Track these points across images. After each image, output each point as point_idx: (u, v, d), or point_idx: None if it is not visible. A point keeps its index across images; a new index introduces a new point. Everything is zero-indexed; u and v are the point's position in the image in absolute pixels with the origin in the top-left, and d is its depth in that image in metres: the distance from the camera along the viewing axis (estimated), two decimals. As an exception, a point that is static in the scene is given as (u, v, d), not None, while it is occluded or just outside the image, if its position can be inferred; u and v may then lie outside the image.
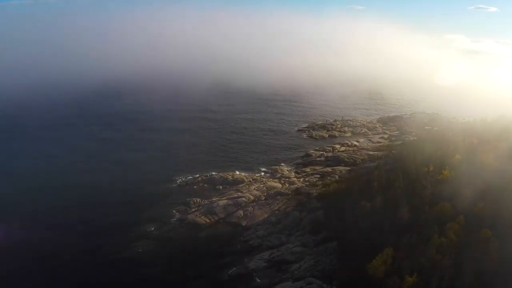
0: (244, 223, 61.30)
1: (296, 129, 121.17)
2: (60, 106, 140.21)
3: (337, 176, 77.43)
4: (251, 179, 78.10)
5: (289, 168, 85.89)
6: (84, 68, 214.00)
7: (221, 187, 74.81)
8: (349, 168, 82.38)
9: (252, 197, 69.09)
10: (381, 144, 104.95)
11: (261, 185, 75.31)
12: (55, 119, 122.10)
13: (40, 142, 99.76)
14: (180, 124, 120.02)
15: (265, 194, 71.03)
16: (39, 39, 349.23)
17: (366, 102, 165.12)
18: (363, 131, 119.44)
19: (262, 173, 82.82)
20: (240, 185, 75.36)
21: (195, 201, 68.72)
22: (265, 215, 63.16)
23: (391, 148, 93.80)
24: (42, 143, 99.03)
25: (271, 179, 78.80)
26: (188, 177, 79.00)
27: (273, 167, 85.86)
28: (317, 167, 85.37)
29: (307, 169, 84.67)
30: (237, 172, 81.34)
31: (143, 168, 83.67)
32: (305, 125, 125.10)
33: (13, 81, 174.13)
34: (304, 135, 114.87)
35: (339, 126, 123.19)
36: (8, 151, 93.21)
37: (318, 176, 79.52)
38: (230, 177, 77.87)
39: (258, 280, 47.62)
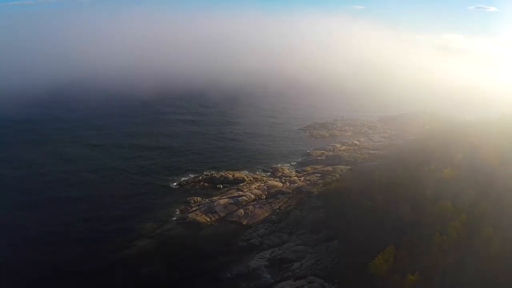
0: (244, 222, 61.19)
1: (296, 128, 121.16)
2: (45, 106, 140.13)
3: (338, 175, 77.35)
4: (251, 178, 78.02)
5: (290, 167, 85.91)
6: (79, 70, 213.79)
7: (221, 186, 74.73)
8: (350, 167, 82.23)
9: (252, 196, 69.00)
10: (382, 143, 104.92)
11: (262, 184, 75.27)
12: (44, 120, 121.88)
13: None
14: (176, 126, 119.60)
15: (266, 193, 70.97)
16: (38, 39, 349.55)
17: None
18: (364, 130, 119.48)
19: (263, 172, 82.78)
20: (241, 184, 75.28)
21: (195, 200, 68.65)
22: (266, 214, 63.06)
23: (392, 147, 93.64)
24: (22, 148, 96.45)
25: (272, 178, 78.77)
26: (188, 176, 78.96)
27: (273, 166, 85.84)
28: (317, 166, 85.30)
29: (308, 168, 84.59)
30: (238, 171, 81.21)
31: (143, 168, 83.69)
32: (306, 124, 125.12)
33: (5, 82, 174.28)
34: (305, 134, 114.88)
35: (339, 125, 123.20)
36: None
37: (319, 175, 79.44)
38: (230, 176, 77.77)
39: (259, 279, 47.43)
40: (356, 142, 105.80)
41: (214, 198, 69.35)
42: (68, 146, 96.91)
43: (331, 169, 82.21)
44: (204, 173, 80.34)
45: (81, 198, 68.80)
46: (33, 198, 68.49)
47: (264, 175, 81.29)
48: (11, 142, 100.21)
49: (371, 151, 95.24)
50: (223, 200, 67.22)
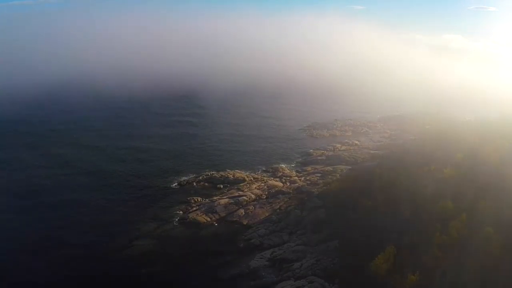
0: (245, 222, 61.20)
1: (296, 128, 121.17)
2: (43, 107, 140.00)
3: (338, 175, 77.35)
4: (252, 178, 77.99)
5: (290, 167, 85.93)
6: (79, 70, 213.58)
7: (222, 186, 74.69)
8: (350, 167, 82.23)
9: (253, 196, 69.00)
10: (382, 143, 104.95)
11: (262, 184, 75.27)
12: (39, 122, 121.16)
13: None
14: (174, 127, 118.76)
15: (266, 193, 70.98)
16: (38, 39, 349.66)
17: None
18: (364, 130, 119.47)
19: (263, 172, 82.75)
20: (241, 184, 75.24)
21: (196, 200, 68.65)
22: (266, 214, 63.07)
23: (392, 147, 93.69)
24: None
25: (272, 178, 78.73)
26: (188, 176, 78.95)
27: (274, 166, 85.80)
28: (318, 166, 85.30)
29: (308, 168, 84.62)
30: (238, 171, 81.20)
31: (142, 169, 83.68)
32: (306, 124, 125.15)
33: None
34: (305, 134, 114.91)
35: (339, 125, 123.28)
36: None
37: (319, 175, 79.42)
38: (231, 176, 77.76)
39: (259, 279, 47.39)
40: (356, 142, 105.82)
41: (215, 198, 69.34)
42: (65, 148, 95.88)
43: (331, 169, 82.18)
44: (204, 173, 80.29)
45: (80, 200, 68.37)
46: (30, 201, 67.57)
47: (265, 175, 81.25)
48: (7, 143, 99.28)
49: (371, 151, 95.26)
50: (224, 200, 67.23)
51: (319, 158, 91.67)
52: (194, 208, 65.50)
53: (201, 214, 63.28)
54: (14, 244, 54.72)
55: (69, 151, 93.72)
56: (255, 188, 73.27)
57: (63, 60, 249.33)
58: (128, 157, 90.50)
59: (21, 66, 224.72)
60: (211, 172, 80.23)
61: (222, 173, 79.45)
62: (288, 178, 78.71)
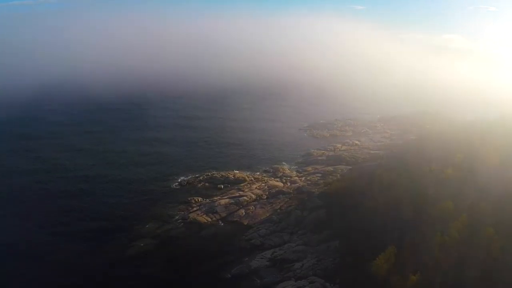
0: (245, 222, 61.25)
1: (297, 128, 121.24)
2: (41, 108, 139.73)
3: (338, 175, 77.39)
4: (252, 178, 77.97)
5: (291, 167, 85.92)
6: (78, 70, 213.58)
7: (222, 186, 74.68)
8: (350, 167, 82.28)
9: (253, 196, 69.01)
10: (382, 143, 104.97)
11: (263, 184, 75.26)
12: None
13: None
14: (174, 129, 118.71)
15: (267, 193, 70.98)
16: (38, 39, 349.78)
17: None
18: (364, 130, 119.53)
19: (264, 172, 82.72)
20: (242, 184, 75.23)
21: (196, 200, 68.66)
22: (267, 214, 63.10)
23: (393, 147, 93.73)
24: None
25: (273, 178, 78.72)
26: (189, 177, 78.96)
27: (274, 166, 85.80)
28: (318, 166, 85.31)
29: (309, 168, 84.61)
30: (238, 171, 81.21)
31: (144, 169, 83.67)
32: (306, 124, 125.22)
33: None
34: (305, 134, 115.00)
35: (340, 125, 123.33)
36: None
37: (320, 175, 79.44)
38: (231, 176, 77.79)
39: (260, 279, 47.42)
40: (357, 142, 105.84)
41: (215, 198, 69.36)
42: (63, 151, 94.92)
43: (332, 169, 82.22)
44: (205, 173, 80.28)
45: (80, 203, 68.11)
46: (29, 205, 67.00)
47: (265, 175, 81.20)
48: (4, 146, 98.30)
49: (372, 151, 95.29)
50: (224, 200, 67.26)
51: (319, 158, 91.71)
52: (195, 208, 65.55)
53: (202, 214, 63.34)
54: (14, 248, 54.42)
55: (68, 154, 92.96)
56: (256, 188, 73.28)
57: (62, 60, 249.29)
58: (127, 160, 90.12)
59: (21, 66, 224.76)
60: (212, 172, 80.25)
61: (222, 173, 79.47)
62: (288, 178, 78.75)
